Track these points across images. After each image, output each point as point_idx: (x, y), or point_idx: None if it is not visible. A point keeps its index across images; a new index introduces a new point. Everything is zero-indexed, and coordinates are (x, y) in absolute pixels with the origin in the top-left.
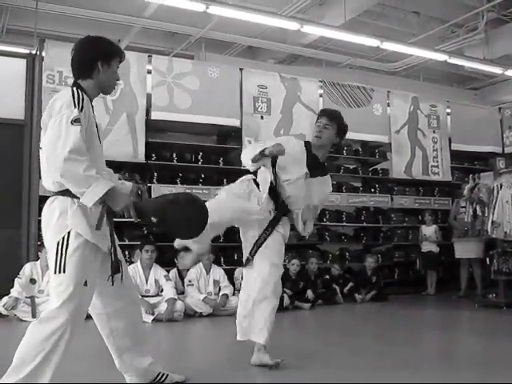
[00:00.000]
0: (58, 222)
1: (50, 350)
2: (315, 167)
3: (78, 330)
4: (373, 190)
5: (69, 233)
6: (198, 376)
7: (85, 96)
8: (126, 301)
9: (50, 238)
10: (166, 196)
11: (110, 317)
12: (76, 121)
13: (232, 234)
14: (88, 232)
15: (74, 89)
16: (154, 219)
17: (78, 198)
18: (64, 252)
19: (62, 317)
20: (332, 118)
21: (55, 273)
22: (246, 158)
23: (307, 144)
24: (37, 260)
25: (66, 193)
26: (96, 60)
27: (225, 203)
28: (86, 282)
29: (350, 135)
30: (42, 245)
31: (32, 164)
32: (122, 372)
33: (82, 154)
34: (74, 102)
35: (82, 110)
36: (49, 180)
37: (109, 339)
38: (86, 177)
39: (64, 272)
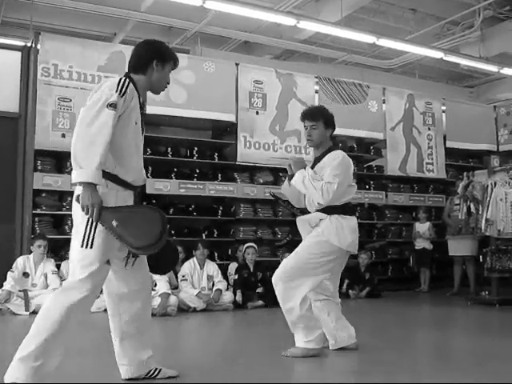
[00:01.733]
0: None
1: (67, 318)
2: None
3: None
4: (367, 186)
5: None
6: (191, 371)
7: (131, 86)
8: (140, 286)
9: (81, 214)
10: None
11: (122, 299)
12: (111, 105)
13: (226, 229)
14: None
15: (123, 77)
16: (114, 223)
17: (111, 180)
18: (94, 228)
19: (85, 288)
20: (314, 117)
21: (82, 247)
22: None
23: None
24: (29, 254)
25: (103, 173)
26: (152, 59)
27: None
28: (108, 260)
29: (345, 131)
30: (35, 238)
31: (26, 157)
32: (119, 361)
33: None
34: (118, 86)
35: (122, 96)
36: None
37: (114, 320)
38: (89, 159)
39: (91, 247)
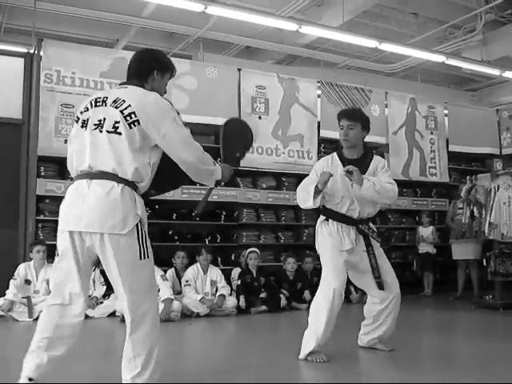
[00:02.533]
0: (130, 210)
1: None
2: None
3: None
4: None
5: (140, 221)
6: (195, 376)
7: None
8: None
9: (120, 226)
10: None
11: None
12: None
13: (229, 234)
14: (145, 222)
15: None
16: (237, 154)
17: (135, 190)
18: (145, 239)
19: None
20: (352, 117)
21: (141, 259)
22: (306, 203)
23: (340, 154)
24: (30, 260)
25: (132, 184)
26: (153, 68)
27: None
28: None
29: None
30: (34, 244)
31: (30, 163)
32: None
33: None
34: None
35: None
36: (131, 166)
37: None
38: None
39: (149, 257)
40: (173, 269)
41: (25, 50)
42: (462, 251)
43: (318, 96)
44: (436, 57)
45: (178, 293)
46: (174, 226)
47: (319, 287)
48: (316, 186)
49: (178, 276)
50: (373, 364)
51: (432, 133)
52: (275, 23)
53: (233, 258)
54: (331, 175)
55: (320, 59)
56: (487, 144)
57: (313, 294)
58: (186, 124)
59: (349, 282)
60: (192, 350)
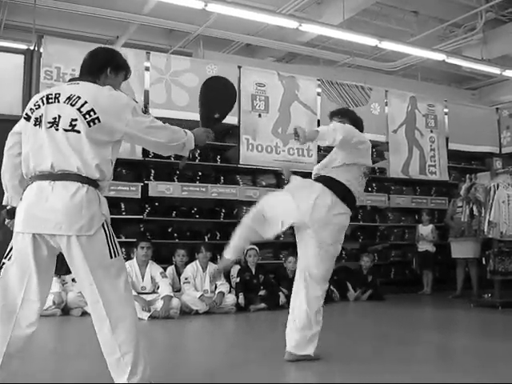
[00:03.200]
0: (96, 211)
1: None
2: None
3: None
4: (370, 188)
5: (105, 220)
6: (194, 373)
7: None
8: None
9: (87, 227)
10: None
11: None
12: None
13: (228, 232)
14: (109, 221)
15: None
16: (216, 115)
17: (100, 189)
18: (113, 237)
19: None
20: (342, 115)
21: (112, 257)
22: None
23: None
24: None
25: (95, 183)
26: (107, 66)
27: None
28: None
29: None
30: None
31: None
32: None
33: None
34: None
35: None
36: (94, 165)
37: None
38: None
39: (119, 254)
40: (173, 266)
41: (25, 47)
42: (462, 250)
43: (318, 94)
44: (436, 55)
45: (177, 290)
46: (174, 223)
47: None
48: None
49: (178, 273)
50: (369, 363)
51: (432, 131)
52: (275, 21)
53: None
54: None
55: (320, 57)
56: (487, 143)
57: None
58: (146, 111)
59: (346, 279)
60: (191, 347)
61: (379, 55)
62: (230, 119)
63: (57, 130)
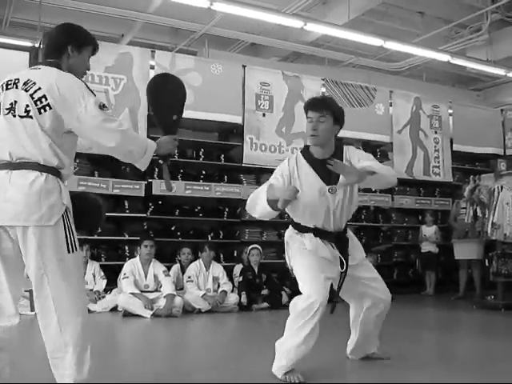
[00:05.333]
0: (56, 200)
1: None
2: (330, 172)
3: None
4: (373, 189)
5: (66, 210)
6: (196, 372)
7: None
8: None
9: (47, 217)
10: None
11: None
12: None
13: (232, 231)
14: (71, 211)
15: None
16: (174, 117)
17: (61, 178)
18: (72, 230)
19: None
20: (323, 107)
21: (70, 252)
22: (258, 213)
23: (305, 152)
24: None
25: (55, 171)
26: (67, 43)
27: None
28: None
29: (351, 134)
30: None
31: None
32: None
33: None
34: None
35: None
36: (51, 152)
37: None
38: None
39: (77, 250)
40: (178, 264)
41: (30, 44)
42: (465, 251)
43: (323, 94)
44: (441, 56)
45: (181, 288)
46: (177, 221)
47: (298, 297)
48: (273, 202)
49: (183, 272)
50: (370, 362)
51: (436, 132)
52: (280, 20)
53: (235, 254)
54: (297, 191)
55: (325, 57)
56: (491, 144)
57: None
58: (105, 106)
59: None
60: (193, 345)
61: (384, 55)
62: (234, 118)
63: (14, 116)
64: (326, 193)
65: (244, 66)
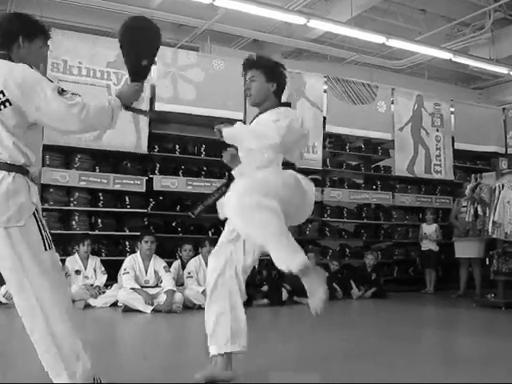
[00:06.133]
0: (25, 200)
1: None
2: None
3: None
4: (375, 186)
5: (36, 210)
6: (196, 368)
7: None
8: None
9: (15, 218)
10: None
11: None
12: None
13: None
14: (40, 209)
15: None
16: (144, 62)
17: (29, 176)
18: (45, 227)
19: None
20: (252, 66)
21: (46, 249)
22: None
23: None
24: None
25: (22, 169)
26: (17, 35)
27: None
28: None
29: (353, 131)
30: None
31: None
32: None
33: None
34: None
35: None
36: (15, 150)
37: None
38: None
39: (52, 247)
40: (179, 260)
41: None
42: (465, 249)
43: (325, 91)
44: (443, 54)
45: (181, 284)
46: (178, 217)
47: None
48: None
49: (184, 268)
50: (371, 361)
51: (438, 130)
52: (283, 17)
53: None
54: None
55: (327, 54)
56: (493, 142)
57: None
58: (64, 91)
59: (349, 277)
60: (194, 341)
61: (386, 53)
62: (237, 115)
63: None
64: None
65: None
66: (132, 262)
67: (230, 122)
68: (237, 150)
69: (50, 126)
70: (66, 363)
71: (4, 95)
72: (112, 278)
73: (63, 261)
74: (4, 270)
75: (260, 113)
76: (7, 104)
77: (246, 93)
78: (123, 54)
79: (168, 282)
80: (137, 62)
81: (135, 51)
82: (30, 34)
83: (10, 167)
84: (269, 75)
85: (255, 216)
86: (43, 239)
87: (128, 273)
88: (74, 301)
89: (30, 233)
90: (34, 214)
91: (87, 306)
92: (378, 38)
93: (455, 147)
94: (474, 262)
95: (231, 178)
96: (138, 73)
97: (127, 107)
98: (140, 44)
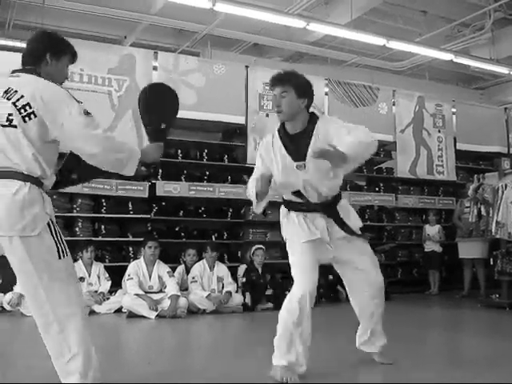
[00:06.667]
0: (39, 210)
1: None
2: (298, 148)
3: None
4: (377, 188)
5: (51, 220)
6: (201, 373)
7: None
8: None
9: (30, 227)
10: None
11: None
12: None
13: (236, 231)
14: (54, 220)
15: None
16: (163, 125)
17: (42, 187)
18: (61, 236)
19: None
20: (283, 83)
21: (61, 258)
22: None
23: (281, 128)
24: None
25: (38, 181)
26: (46, 52)
27: None
28: None
29: None
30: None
31: None
32: None
33: None
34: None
35: None
36: (34, 162)
37: None
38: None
39: (68, 255)
40: (183, 265)
41: None
42: (469, 250)
43: (326, 94)
44: (444, 55)
45: (186, 289)
46: (181, 222)
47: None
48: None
49: (188, 272)
50: (373, 366)
51: (439, 131)
52: (283, 20)
53: (239, 254)
54: (270, 178)
55: (328, 57)
56: (495, 143)
57: (318, 291)
58: (89, 113)
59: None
60: (198, 346)
61: (387, 55)
62: (238, 119)
63: None
64: (293, 169)
65: (247, 67)
66: (136, 268)
67: (231, 125)
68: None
69: (72, 145)
70: (78, 370)
71: (31, 107)
72: (116, 284)
73: None
74: (19, 277)
75: (305, 129)
76: (32, 116)
77: (277, 109)
78: (142, 117)
79: (172, 287)
80: (156, 125)
81: (156, 114)
82: (58, 52)
83: (27, 178)
84: (300, 91)
85: None
86: (58, 248)
87: (132, 279)
88: None
89: (44, 242)
90: (48, 223)
91: (92, 312)
92: (378, 40)
93: (457, 148)
94: (478, 262)
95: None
96: (157, 135)
97: (146, 165)
98: (159, 108)
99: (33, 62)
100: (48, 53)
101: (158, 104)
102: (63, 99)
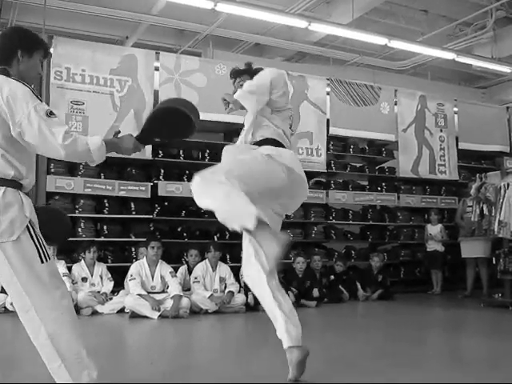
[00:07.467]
0: (17, 213)
1: None
2: None
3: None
4: (379, 188)
5: (30, 222)
6: (203, 373)
7: None
8: None
9: (8, 232)
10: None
11: None
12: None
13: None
14: (36, 223)
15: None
16: (156, 139)
17: (20, 189)
18: (41, 240)
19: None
20: (237, 74)
21: (43, 262)
22: None
23: None
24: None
25: (14, 183)
26: (16, 49)
27: None
28: None
29: (356, 133)
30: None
31: (39, 160)
32: None
33: None
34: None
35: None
36: (6, 164)
37: None
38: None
39: (50, 259)
40: (185, 266)
41: None
42: (472, 249)
43: (328, 93)
44: (446, 54)
45: (188, 289)
46: (183, 222)
47: None
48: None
49: (191, 273)
50: (378, 363)
51: (442, 130)
52: (285, 20)
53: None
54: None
55: (329, 56)
56: (497, 142)
57: (321, 291)
58: (52, 113)
59: (355, 278)
60: (201, 346)
61: (389, 54)
62: (239, 119)
63: None
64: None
65: None
66: (138, 268)
67: (233, 126)
68: None
69: (31, 145)
70: (71, 373)
71: None
72: (118, 285)
73: (70, 268)
74: (3, 284)
75: None
76: None
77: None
78: (147, 123)
79: (174, 288)
80: (152, 134)
81: (157, 128)
82: (30, 48)
83: (1, 181)
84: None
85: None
86: (38, 252)
87: (134, 279)
88: (80, 308)
89: (24, 246)
90: (27, 227)
91: (94, 312)
92: (379, 40)
93: (459, 147)
94: (481, 261)
95: None
96: (146, 139)
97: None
98: (165, 127)
99: (4, 61)
100: (19, 50)
101: (163, 123)
102: (23, 98)
